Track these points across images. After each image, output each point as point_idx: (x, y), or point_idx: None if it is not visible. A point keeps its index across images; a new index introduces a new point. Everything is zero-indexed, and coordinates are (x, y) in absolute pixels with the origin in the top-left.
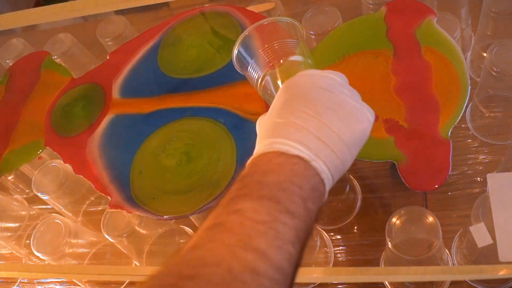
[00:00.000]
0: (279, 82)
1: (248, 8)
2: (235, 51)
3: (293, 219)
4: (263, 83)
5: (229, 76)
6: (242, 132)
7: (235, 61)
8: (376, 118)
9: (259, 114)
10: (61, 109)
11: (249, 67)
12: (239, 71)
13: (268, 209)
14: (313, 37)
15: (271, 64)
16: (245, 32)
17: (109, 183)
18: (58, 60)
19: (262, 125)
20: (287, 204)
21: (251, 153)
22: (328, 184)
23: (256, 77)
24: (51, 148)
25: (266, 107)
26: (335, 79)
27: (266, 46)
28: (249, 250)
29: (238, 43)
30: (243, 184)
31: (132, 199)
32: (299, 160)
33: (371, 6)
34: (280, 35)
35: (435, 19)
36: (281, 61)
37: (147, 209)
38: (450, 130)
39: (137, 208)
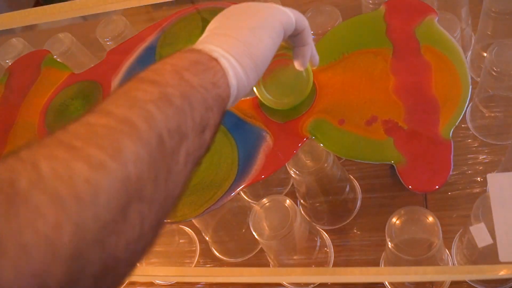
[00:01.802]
0: None
1: None
2: None
3: (157, 86)
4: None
5: None
6: (242, 132)
7: None
8: (375, 119)
9: (255, 118)
10: (56, 108)
11: None
12: None
13: (128, 84)
14: (313, 37)
15: None
16: None
17: None
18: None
19: None
20: (151, 76)
21: (252, 154)
22: (226, 61)
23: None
24: None
25: (260, 109)
26: None
27: None
28: (92, 112)
29: None
30: None
31: None
32: (182, 51)
33: (371, 6)
34: None
35: (436, 19)
36: None
37: None
38: (451, 130)
39: None
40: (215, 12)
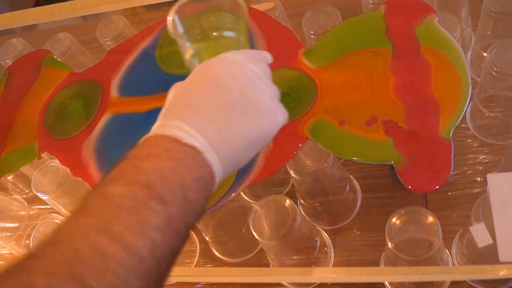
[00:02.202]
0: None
1: None
2: (170, 18)
3: (165, 206)
4: (188, 56)
5: None
6: None
7: (170, 28)
8: (375, 119)
9: None
10: (55, 108)
11: (179, 37)
12: (173, 37)
13: (137, 194)
14: (313, 36)
15: (200, 36)
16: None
17: None
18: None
19: (171, 94)
20: (161, 191)
21: None
22: (218, 177)
23: (184, 48)
24: (46, 152)
25: None
26: (255, 71)
27: (200, 17)
28: (104, 234)
29: (175, 9)
30: (120, 166)
31: None
32: (190, 150)
33: (371, 6)
34: (218, 9)
35: (436, 18)
36: (214, 34)
37: None
38: (452, 131)
39: None
40: (215, 12)
